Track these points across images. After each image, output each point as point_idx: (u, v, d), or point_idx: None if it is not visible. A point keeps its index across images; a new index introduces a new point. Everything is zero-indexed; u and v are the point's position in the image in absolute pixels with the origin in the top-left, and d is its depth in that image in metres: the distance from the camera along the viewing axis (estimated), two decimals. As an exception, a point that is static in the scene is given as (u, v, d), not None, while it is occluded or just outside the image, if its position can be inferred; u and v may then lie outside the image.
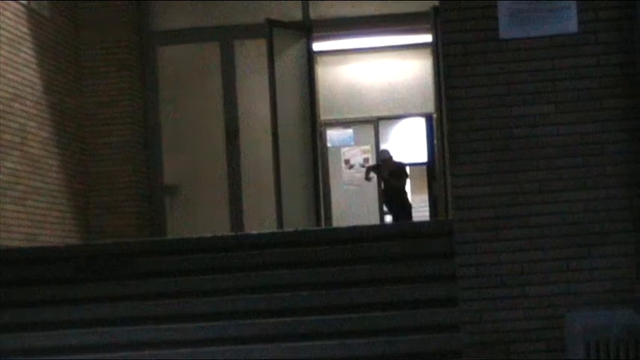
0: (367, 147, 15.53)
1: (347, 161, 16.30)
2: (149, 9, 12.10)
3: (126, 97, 11.68)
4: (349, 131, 16.05)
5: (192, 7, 12.08)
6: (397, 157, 14.98)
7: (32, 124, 10.32)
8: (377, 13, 12.00)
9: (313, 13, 12.05)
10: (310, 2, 12.03)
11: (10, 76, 9.93)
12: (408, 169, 15.10)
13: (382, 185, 14.82)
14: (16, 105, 10.01)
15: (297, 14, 12.03)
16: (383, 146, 15.30)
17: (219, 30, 12.08)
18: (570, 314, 6.54)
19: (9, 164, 9.76)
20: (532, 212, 7.03)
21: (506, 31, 7.19)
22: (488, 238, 7.07)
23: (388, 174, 14.27)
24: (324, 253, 7.87)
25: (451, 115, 7.30)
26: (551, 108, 7.10)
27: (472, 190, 7.13)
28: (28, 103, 10.25)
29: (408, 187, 15.23)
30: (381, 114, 14.44)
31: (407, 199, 14.93)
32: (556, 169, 7.05)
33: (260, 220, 11.55)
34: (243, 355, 7.11)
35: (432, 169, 14.81)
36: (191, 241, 8.37)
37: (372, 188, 15.18)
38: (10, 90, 9.89)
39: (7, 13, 9.95)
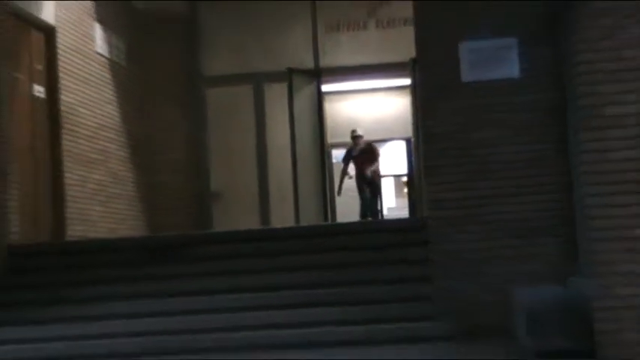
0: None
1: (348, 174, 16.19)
2: (200, 60, 12.10)
3: (182, 126, 11.62)
4: (349, 151, 15.90)
5: (231, 58, 12.06)
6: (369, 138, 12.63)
7: (112, 146, 10.30)
8: (370, 62, 12.00)
9: (322, 63, 12.04)
10: (320, 54, 12.03)
11: (97, 110, 9.94)
12: (380, 155, 12.65)
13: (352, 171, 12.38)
14: (101, 132, 10.01)
15: (310, 63, 12.02)
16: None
17: (252, 76, 12.04)
18: (517, 290, 6.46)
19: (96, 176, 9.76)
20: (489, 212, 6.97)
21: (466, 75, 7.16)
22: (455, 231, 7.01)
23: (359, 153, 12.20)
24: (329, 243, 7.79)
25: (426, 139, 7.25)
26: (503, 133, 7.04)
27: (442, 195, 7.07)
28: (109, 130, 10.23)
29: (383, 183, 13.13)
30: (372, 138, 14.29)
31: (378, 191, 12.55)
32: (508, 179, 6.98)
33: (282, 218, 11.50)
34: (267, 319, 6.99)
35: (410, 178, 14.68)
36: (231, 234, 8.32)
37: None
38: (96, 121, 9.90)
39: (94, 64, 9.99)
